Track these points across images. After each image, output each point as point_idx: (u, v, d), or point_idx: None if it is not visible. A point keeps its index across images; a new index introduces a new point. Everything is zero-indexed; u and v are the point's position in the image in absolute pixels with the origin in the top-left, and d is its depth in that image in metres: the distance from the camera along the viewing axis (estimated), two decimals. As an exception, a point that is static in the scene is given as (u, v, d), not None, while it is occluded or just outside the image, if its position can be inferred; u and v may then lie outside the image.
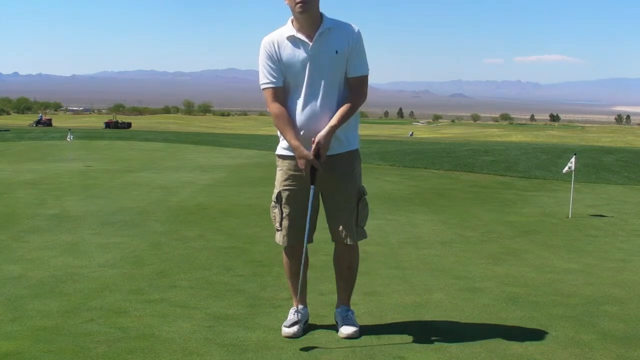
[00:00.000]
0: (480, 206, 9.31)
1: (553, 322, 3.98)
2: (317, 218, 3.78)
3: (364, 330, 3.69)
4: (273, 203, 3.77)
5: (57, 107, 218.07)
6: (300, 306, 3.81)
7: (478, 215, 8.43)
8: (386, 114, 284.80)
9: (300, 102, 3.58)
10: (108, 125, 64.61)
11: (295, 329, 3.64)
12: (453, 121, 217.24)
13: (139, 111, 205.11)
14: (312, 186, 3.55)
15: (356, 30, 3.59)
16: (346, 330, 3.64)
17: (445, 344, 3.54)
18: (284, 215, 3.72)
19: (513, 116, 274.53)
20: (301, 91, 3.58)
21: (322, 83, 3.55)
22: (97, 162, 15.47)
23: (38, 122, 66.32)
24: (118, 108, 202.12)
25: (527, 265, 5.61)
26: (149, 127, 66.29)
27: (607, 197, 10.67)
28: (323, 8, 3.58)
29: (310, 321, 3.83)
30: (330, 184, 3.67)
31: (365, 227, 3.78)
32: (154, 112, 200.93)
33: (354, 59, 3.58)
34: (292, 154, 3.63)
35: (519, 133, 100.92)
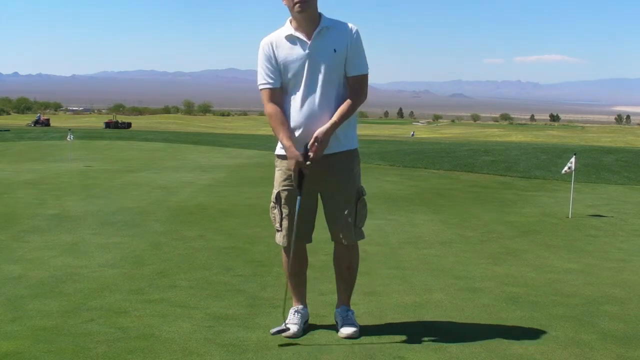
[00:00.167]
0: (480, 206, 9.31)
1: (553, 322, 3.97)
2: (315, 218, 3.78)
3: (364, 330, 3.68)
4: (272, 203, 3.76)
5: (57, 107, 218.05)
6: (300, 306, 3.81)
7: (478, 215, 8.43)
8: (386, 114, 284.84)
9: (298, 101, 3.58)
10: (108, 125, 64.54)
11: (295, 329, 3.64)
12: (453, 121, 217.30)
13: (139, 111, 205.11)
14: (298, 197, 3.53)
15: (354, 30, 3.59)
16: (346, 330, 3.64)
17: (445, 344, 3.53)
18: (283, 215, 3.72)
19: (513, 116, 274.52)
20: (299, 89, 3.58)
21: (321, 81, 3.55)
22: (97, 162, 15.47)
23: (36, 122, 66.24)
24: (118, 108, 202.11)
25: (527, 265, 5.60)
26: (149, 127, 66.28)
27: (607, 197, 10.67)
28: (322, 8, 3.59)
29: (310, 321, 3.83)
30: (329, 185, 3.67)
31: (363, 228, 3.78)
32: (154, 112, 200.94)
33: (353, 58, 3.58)
34: (292, 154, 3.63)
35: (519, 133, 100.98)
